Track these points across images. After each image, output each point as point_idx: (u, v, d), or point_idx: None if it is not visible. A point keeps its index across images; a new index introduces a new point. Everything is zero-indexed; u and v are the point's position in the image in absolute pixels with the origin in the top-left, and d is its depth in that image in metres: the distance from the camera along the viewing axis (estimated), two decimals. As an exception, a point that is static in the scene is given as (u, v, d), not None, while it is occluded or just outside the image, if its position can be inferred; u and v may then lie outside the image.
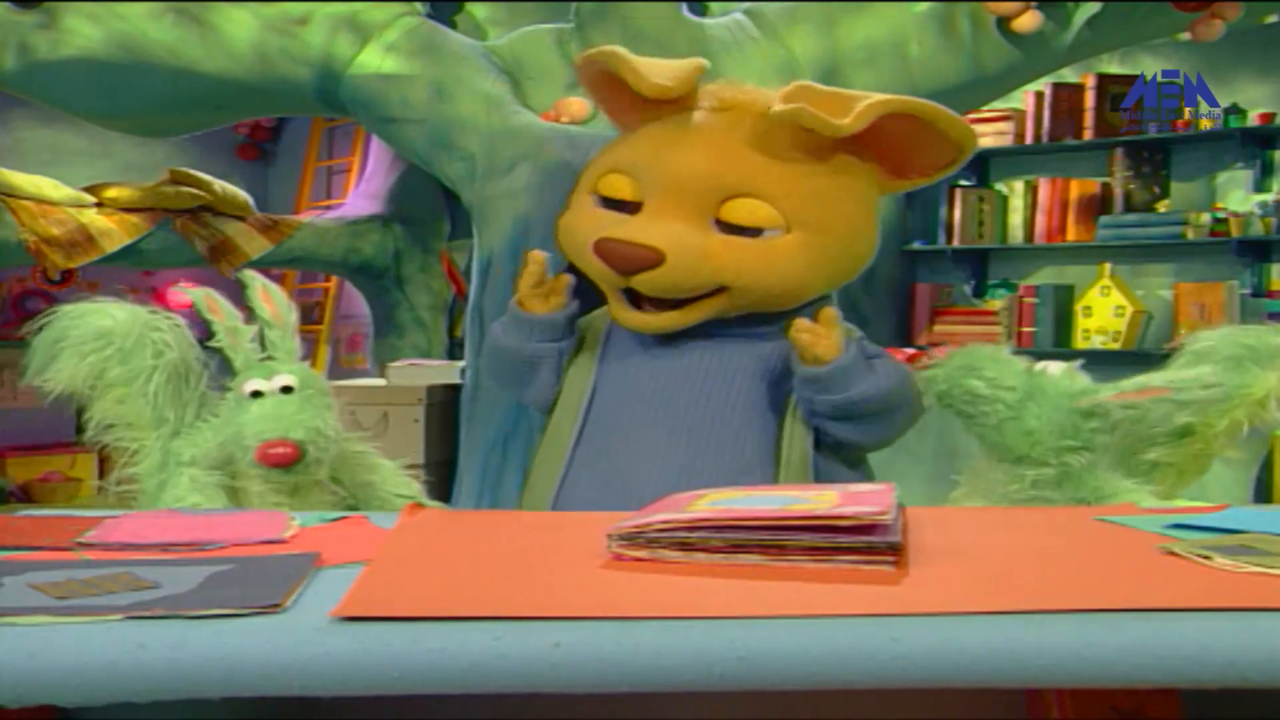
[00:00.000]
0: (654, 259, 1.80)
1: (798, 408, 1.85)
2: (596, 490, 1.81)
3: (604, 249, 1.82)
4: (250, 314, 1.91)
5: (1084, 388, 1.84)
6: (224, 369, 1.90)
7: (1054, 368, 1.87)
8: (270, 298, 1.92)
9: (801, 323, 1.79)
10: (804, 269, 1.87)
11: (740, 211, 1.83)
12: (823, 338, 1.78)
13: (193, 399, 1.87)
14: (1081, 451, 1.78)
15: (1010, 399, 1.84)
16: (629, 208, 1.88)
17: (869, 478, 1.92)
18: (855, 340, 1.86)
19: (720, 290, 1.85)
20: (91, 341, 1.80)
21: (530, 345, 1.94)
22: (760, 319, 1.90)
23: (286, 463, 1.77)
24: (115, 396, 1.82)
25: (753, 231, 1.84)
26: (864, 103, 1.77)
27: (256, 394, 1.82)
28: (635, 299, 1.88)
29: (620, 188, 1.90)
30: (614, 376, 1.92)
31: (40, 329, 1.84)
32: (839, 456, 1.88)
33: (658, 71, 1.90)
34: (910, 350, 3.65)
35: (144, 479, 1.84)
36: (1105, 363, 2.89)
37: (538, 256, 1.94)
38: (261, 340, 1.89)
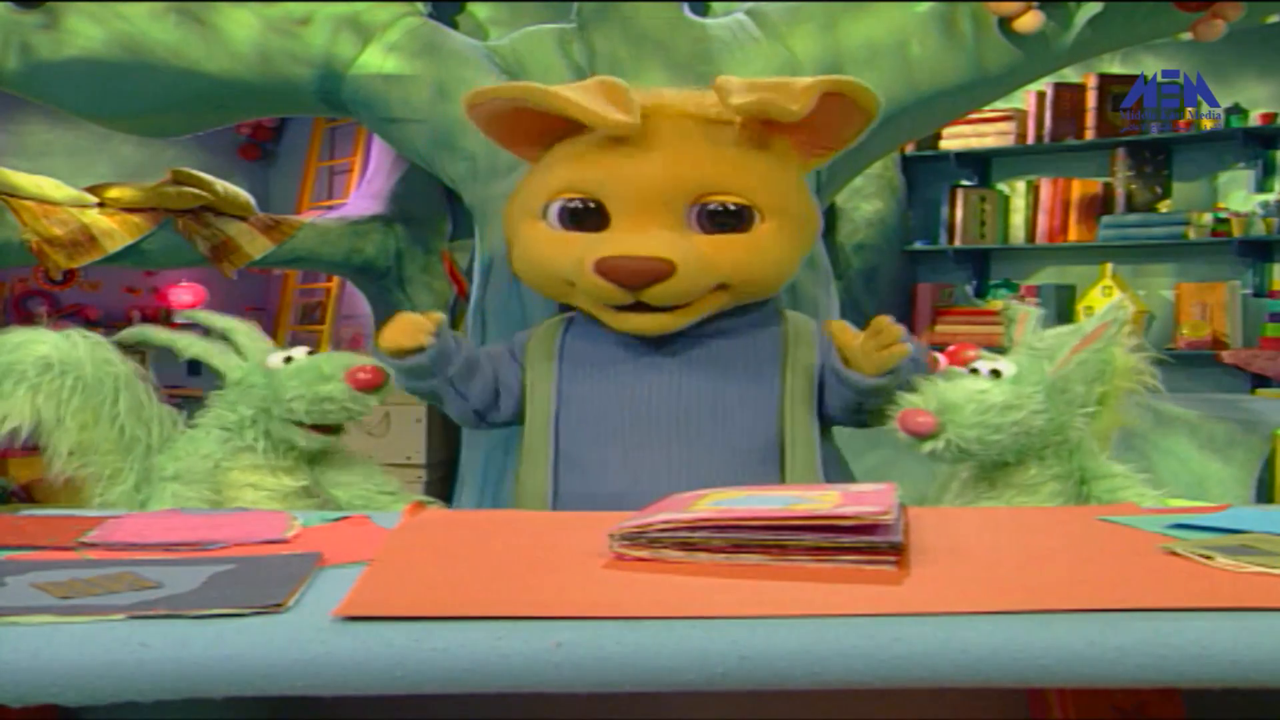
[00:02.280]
0: (666, 270, 1.81)
1: (811, 397, 1.89)
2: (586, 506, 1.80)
3: (610, 267, 1.81)
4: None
5: (995, 388, 1.77)
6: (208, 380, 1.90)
7: (949, 373, 1.76)
8: (217, 315, 1.93)
9: (879, 330, 1.78)
10: (787, 254, 1.93)
11: (724, 200, 1.86)
12: (892, 347, 1.77)
13: (154, 414, 1.84)
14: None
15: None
16: (595, 223, 1.88)
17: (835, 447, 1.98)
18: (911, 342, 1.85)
19: (719, 288, 1.87)
20: (41, 373, 1.75)
21: (405, 381, 1.89)
22: (730, 314, 1.92)
23: (375, 385, 1.79)
24: (79, 424, 1.78)
25: (742, 222, 1.87)
26: (801, 85, 1.85)
27: (288, 360, 1.83)
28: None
29: (582, 201, 1.89)
30: (579, 392, 1.91)
31: None
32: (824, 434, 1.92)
33: (595, 101, 1.86)
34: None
35: (123, 502, 1.80)
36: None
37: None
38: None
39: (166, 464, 1.81)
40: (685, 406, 1.87)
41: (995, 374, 1.72)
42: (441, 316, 1.87)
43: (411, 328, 1.82)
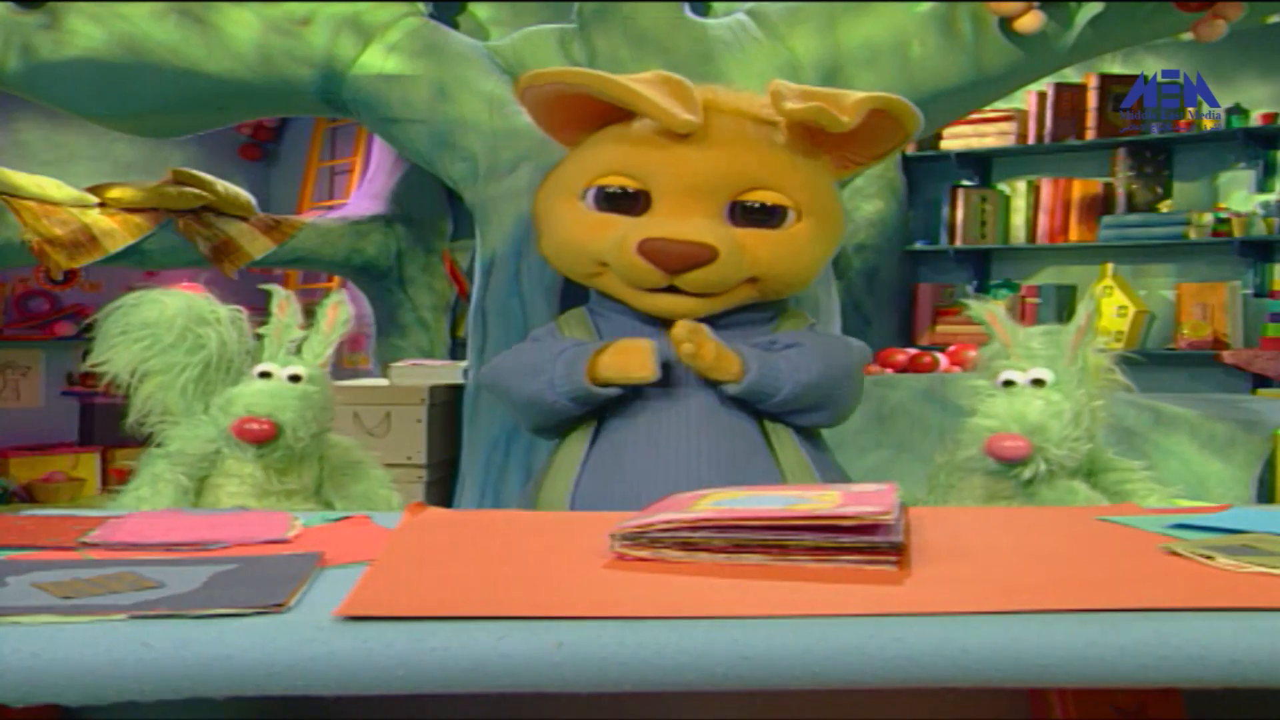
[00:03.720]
0: (708, 255, 1.85)
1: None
2: (613, 493, 1.82)
3: (653, 249, 1.85)
4: (309, 321, 1.95)
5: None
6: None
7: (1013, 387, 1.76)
8: (335, 311, 1.97)
9: (691, 348, 1.82)
10: (818, 255, 2.01)
11: (764, 197, 1.92)
12: (709, 355, 1.82)
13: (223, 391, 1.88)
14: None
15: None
16: (635, 207, 1.91)
17: (827, 450, 2.01)
18: (757, 345, 1.89)
19: (750, 280, 1.92)
20: (138, 330, 1.86)
21: (578, 409, 1.90)
22: (750, 310, 1.97)
23: (258, 440, 1.79)
24: (154, 384, 1.87)
25: (774, 219, 1.92)
26: (852, 99, 1.90)
27: (265, 375, 1.84)
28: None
29: (626, 186, 1.93)
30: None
31: (109, 314, 1.90)
32: (804, 434, 1.96)
33: (667, 100, 1.90)
34: (912, 351, 3.65)
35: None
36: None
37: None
38: (299, 348, 1.92)
39: (173, 439, 1.85)
40: (700, 386, 1.90)
41: (1038, 383, 1.71)
42: (653, 343, 1.86)
43: (641, 356, 1.83)
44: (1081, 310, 1.78)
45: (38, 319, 5.92)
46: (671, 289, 1.89)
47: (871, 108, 1.90)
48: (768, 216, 1.92)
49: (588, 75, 1.99)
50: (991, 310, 1.83)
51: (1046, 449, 1.64)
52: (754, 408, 1.90)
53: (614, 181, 1.93)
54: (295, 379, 1.85)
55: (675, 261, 1.85)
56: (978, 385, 1.77)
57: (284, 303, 1.93)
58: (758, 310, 2.00)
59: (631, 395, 1.91)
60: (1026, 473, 1.65)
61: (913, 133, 1.99)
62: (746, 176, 1.92)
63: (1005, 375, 1.73)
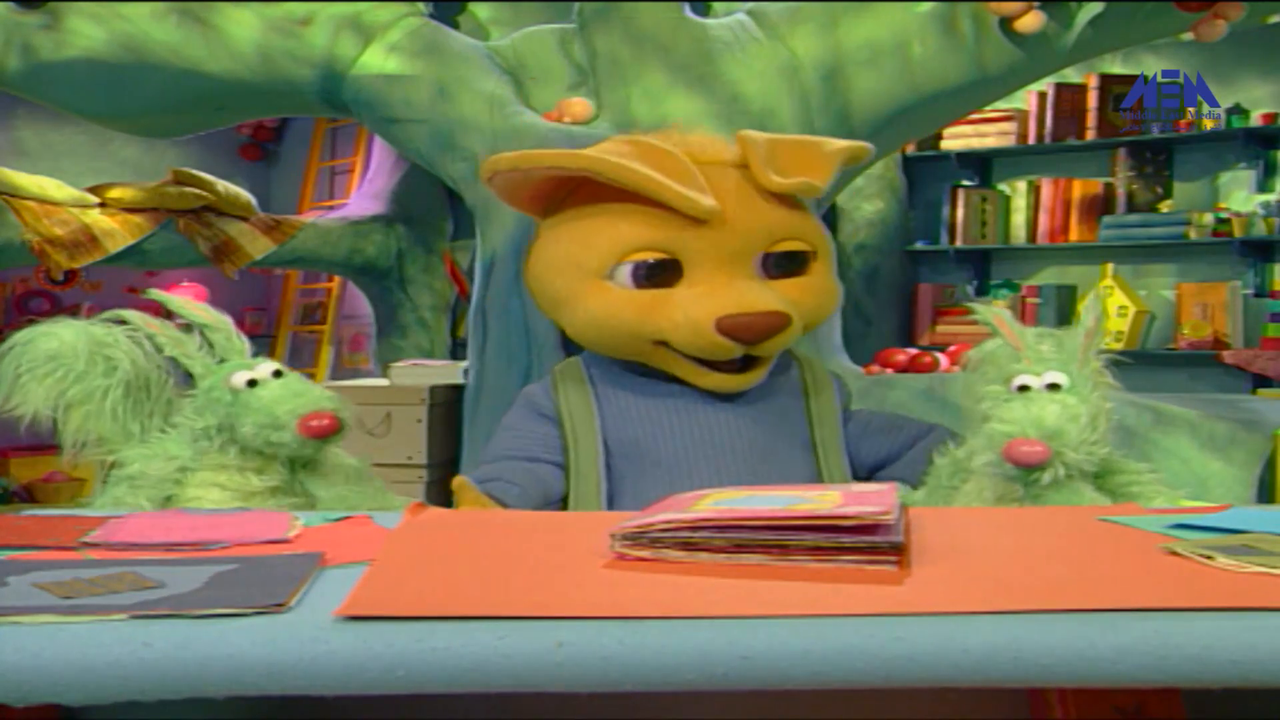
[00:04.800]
0: (785, 322, 1.87)
1: (840, 444, 1.98)
2: None
3: (733, 325, 1.84)
4: (187, 327, 1.88)
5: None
6: (188, 379, 1.87)
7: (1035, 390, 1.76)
8: (198, 307, 1.90)
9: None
10: (835, 286, 2.04)
11: (791, 248, 1.96)
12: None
13: (158, 408, 1.85)
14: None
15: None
16: (669, 279, 1.90)
17: None
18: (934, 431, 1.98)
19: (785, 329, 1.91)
20: (44, 365, 1.80)
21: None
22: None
23: (329, 433, 1.76)
24: (80, 415, 1.81)
25: (802, 267, 1.97)
26: (823, 157, 1.95)
27: (252, 383, 1.80)
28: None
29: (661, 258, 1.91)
30: (623, 430, 1.93)
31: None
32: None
33: (681, 185, 1.86)
34: (913, 350, 3.64)
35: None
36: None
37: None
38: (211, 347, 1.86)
39: (131, 461, 1.80)
40: (727, 444, 1.91)
41: (1053, 387, 1.70)
42: (490, 501, 1.80)
43: (475, 505, 1.78)
44: (1089, 313, 1.77)
45: (38, 319, 5.92)
46: (745, 359, 1.90)
47: (841, 162, 1.97)
48: (798, 264, 1.95)
49: (590, 160, 1.91)
50: (999, 314, 1.82)
51: (1065, 453, 1.63)
52: (792, 446, 1.95)
53: (646, 257, 1.90)
54: (278, 374, 1.82)
55: (756, 334, 1.86)
56: (992, 390, 1.75)
57: (190, 304, 1.89)
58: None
59: (646, 460, 1.90)
60: (1046, 477, 1.65)
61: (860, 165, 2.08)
62: (769, 231, 1.93)
63: (1020, 380, 1.72)
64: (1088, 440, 1.65)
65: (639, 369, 1.97)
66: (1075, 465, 1.64)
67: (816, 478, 1.93)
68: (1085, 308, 1.79)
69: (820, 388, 2.01)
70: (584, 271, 1.93)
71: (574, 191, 1.97)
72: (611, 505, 1.89)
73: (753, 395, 1.95)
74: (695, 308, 1.86)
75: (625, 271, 1.90)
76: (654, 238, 1.89)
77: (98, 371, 1.81)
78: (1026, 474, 1.64)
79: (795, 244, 1.95)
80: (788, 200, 1.96)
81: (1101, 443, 1.68)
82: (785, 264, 1.95)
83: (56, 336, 1.82)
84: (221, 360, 1.84)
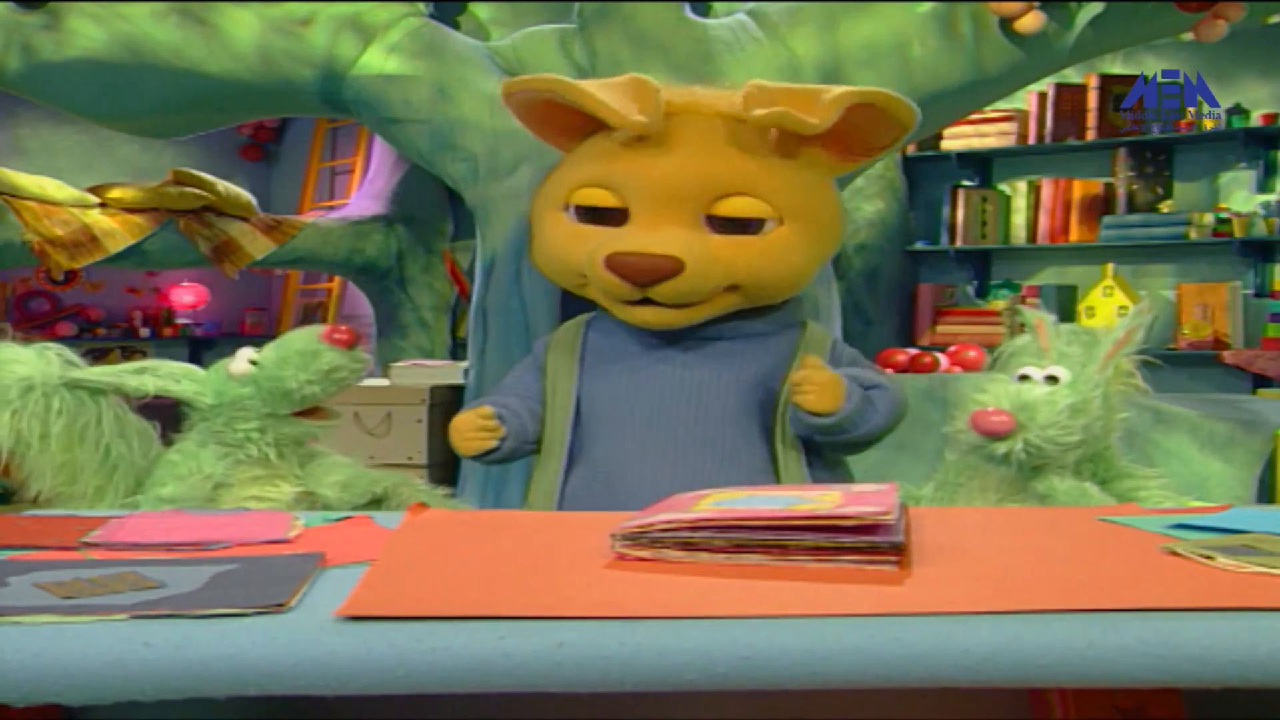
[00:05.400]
0: (674, 268, 1.82)
1: (790, 426, 1.88)
2: (596, 503, 1.81)
3: (619, 263, 1.83)
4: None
5: (1067, 398, 1.76)
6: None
7: (1038, 388, 1.78)
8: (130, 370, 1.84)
9: (801, 379, 1.80)
10: (804, 258, 1.94)
11: (738, 206, 1.87)
12: (824, 390, 1.78)
13: (134, 431, 1.82)
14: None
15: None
16: (614, 218, 1.90)
17: (850, 476, 1.97)
18: (851, 377, 1.85)
19: (730, 288, 1.88)
20: (24, 394, 1.71)
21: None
22: (749, 316, 1.94)
23: (355, 339, 1.89)
24: (63, 445, 1.73)
25: (751, 227, 1.88)
26: (828, 97, 1.85)
27: (253, 362, 1.84)
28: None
29: (601, 199, 1.91)
30: (599, 389, 1.94)
31: None
32: (823, 460, 1.93)
33: (620, 100, 1.87)
34: (913, 351, 3.65)
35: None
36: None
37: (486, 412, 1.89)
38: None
39: (164, 483, 1.78)
40: (696, 403, 1.89)
41: (1051, 379, 1.70)
42: (491, 409, 1.88)
43: (475, 432, 1.86)
44: (1124, 324, 1.76)
45: (39, 319, 5.93)
46: (647, 300, 1.88)
47: (850, 104, 1.85)
48: (744, 225, 1.89)
49: (549, 80, 1.97)
50: (1041, 317, 1.82)
51: (1029, 431, 1.64)
52: (760, 422, 1.88)
53: (592, 194, 1.91)
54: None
55: (640, 275, 1.83)
56: (995, 376, 1.76)
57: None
58: (760, 318, 1.95)
59: (615, 418, 1.90)
60: (1002, 448, 1.64)
61: (909, 124, 1.92)
62: (718, 183, 1.88)
63: (1023, 370, 1.73)
64: (1057, 424, 1.65)
65: (629, 330, 1.96)
66: (1036, 446, 1.64)
67: (768, 426, 1.90)
68: (1126, 319, 1.77)
69: (811, 352, 1.97)
70: (548, 202, 1.98)
71: (587, 130, 1.99)
72: (572, 461, 1.92)
73: (735, 350, 1.92)
74: (600, 244, 1.86)
75: (573, 206, 1.94)
76: (601, 175, 1.91)
77: (88, 399, 1.76)
78: (991, 445, 1.65)
79: (743, 202, 1.88)
80: (761, 159, 1.90)
81: (1076, 434, 1.67)
82: (731, 222, 1.88)
83: (25, 363, 1.73)
84: (178, 382, 1.84)
